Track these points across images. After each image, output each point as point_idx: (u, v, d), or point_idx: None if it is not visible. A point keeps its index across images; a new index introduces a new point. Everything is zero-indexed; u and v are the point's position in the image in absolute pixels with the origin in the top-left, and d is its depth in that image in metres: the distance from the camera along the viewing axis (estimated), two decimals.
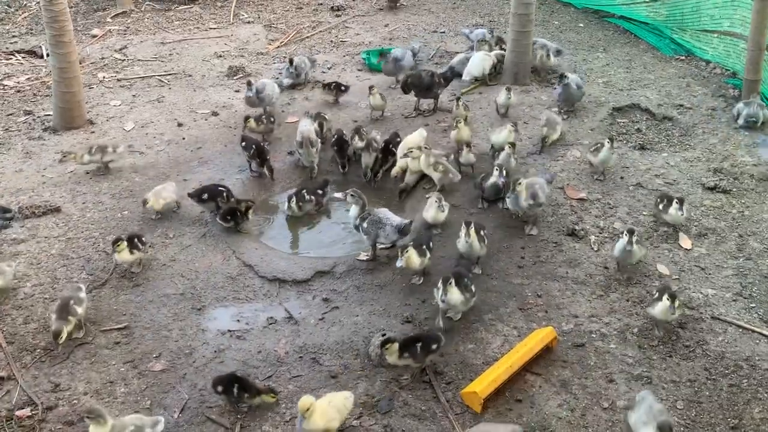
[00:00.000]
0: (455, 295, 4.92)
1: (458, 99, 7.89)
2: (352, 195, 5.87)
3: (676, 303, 4.76)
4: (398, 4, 12.29)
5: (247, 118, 7.65)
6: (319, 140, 7.22)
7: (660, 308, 4.81)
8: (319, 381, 4.69)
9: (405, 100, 8.51)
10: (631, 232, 5.37)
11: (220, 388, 4.45)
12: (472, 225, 5.46)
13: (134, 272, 5.67)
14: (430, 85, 8.20)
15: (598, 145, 6.80)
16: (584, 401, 4.49)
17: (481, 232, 5.56)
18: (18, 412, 4.47)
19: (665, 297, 4.79)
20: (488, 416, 4.39)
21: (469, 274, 5.25)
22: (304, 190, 6.56)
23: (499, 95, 7.97)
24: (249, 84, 8.10)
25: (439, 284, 4.96)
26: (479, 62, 8.92)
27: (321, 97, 8.62)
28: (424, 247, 5.49)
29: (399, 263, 5.39)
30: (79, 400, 4.57)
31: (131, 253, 5.54)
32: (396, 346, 4.54)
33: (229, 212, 6.17)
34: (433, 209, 6.00)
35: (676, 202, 5.87)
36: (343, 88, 8.53)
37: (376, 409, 4.46)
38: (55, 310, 4.99)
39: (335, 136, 7.29)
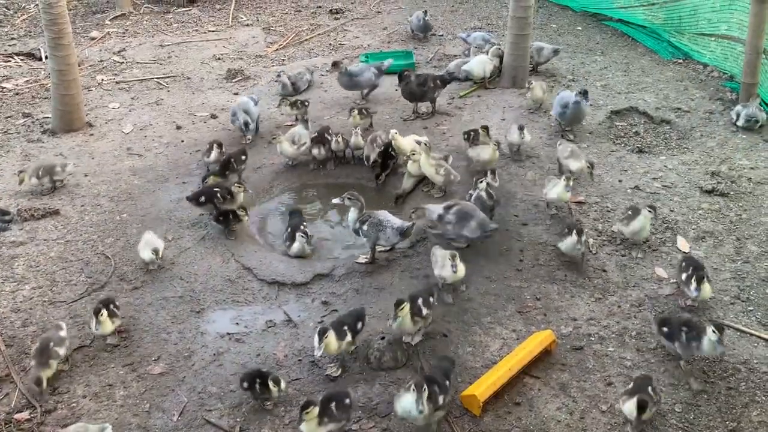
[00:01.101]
0: (406, 321, 4.72)
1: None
2: (349, 198, 5.83)
3: (583, 238, 5.47)
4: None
5: (283, 99, 8.24)
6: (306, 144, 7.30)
7: (568, 243, 5.53)
8: (317, 384, 4.69)
9: (404, 103, 8.53)
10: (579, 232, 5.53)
11: (245, 384, 4.49)
12: (457, 256, 5.17)
13: (114, 344, 5.06)
14: (423, 93, 8.18)
15: (630, 212, 5.83)
16: (583, 404, 4.49)
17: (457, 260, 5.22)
18: (17, 415, 4.47)
19: (573, 232, 5.48)
20: (487, 419, 4.40)
21: (430, 298, 4.92)
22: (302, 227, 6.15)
23: (510, 132, 7.21)
24: (336, 64, 8.52)
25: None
26: (480, 64, 8.93)
27: (288, 113, 8.25)
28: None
29: (393, 324, 4.79)
30: (78, 403, 4.57)
31: (112, 322, 4.97)
32: (315, 410, 4.09)
33: (222, 214, 6.17)
34: (447, 271, 5.22)
35: (649, 210, 5.73)
36: (306, 103, 8.21)
37: (375, 412, 4.46)
38: (34, 354, 4.67)
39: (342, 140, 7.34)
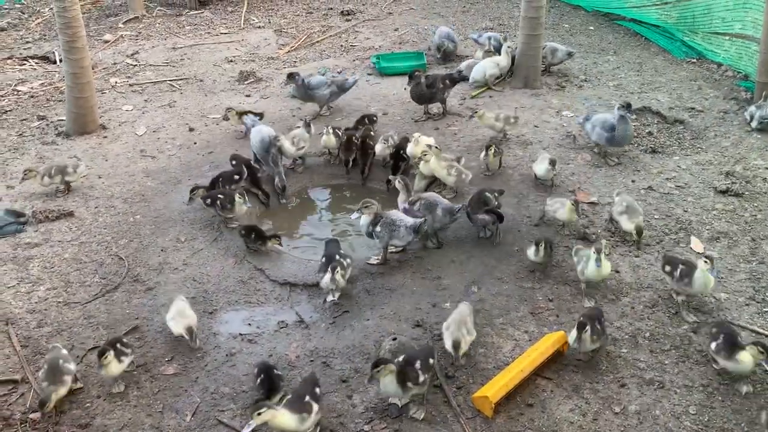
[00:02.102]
0: (390, 385, 4.30)
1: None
2: (366, 206, 5.75)
3: (541, 248, 5.43)
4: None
5: (229, 109, 7.95)
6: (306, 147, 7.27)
7: (530, 252, 5.57)
8: (330, 385, 4.70)
9: (415, 103, 8.51)
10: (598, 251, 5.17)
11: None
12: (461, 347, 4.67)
13: (118, 391, 4.68)
14: (432, 95, 8.13)
15: (681, 268, 5.13)
16: (596, 406, 4.47)
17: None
18: (32, 415, 4.51)
19: (534, 243, 5.51)
20: (500, 421, 4.38)
21: (429, 360, 4.45)
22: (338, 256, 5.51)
23: (539, 164, 6.60)
24: (292, 76, 8.28)
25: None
26: (482, 68, 8.94)
27: (232, 126, 8.04)
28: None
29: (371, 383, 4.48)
30: (92, 403, 4.61)
31: (119, 361, 4.57)
32: (390, 367, 4.22)
33: (253, 231, 6.02)
34: (448, 343, 4.73)
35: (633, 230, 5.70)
36: (258, 116, 7.97)
37: (386, 413, 4.46)
38: (44, 374, 4.49)
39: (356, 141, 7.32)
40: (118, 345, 4.63)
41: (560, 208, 5.98)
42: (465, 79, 8.94)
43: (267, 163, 6.97)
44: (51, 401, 4.39)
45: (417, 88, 8.12)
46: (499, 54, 9.18)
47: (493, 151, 6.74)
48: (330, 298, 5.39)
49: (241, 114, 7.92)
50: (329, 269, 5.31)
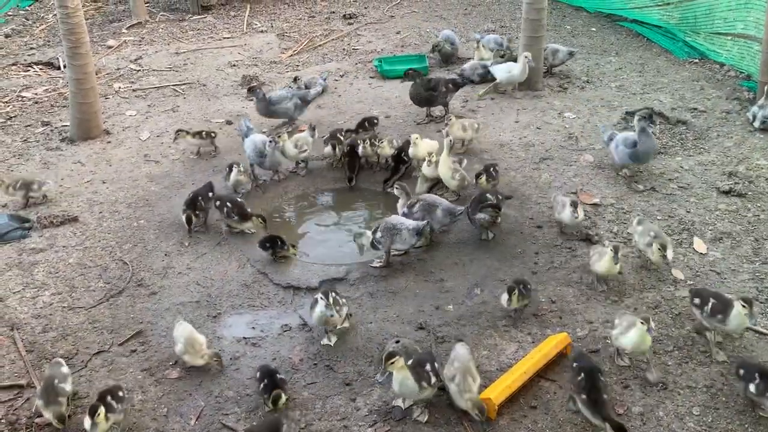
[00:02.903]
0: (407, 382, 4.23)
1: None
2: (358, 236, 5.86)
3: (514, 296, 5.05)
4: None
5: (179, 131, 7.67)
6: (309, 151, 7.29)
7: (503, 299, 5.14)
8: (333, 388, 4.71)
9: (409, 109, 8.49)
10: (615, 250, 5.22)
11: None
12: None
13: None
14: (433, 98, 8.12)
15: (719, 306, 4.70)
16: None
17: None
18: (37, 420, 4.53)
19: (507, 291, 5.11)
20: (503, 422, 4.39)
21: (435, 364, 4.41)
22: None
23: (562, 209, 5.93)
24: (252, 90, 8.12)
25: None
26: (506, 68, 8.70)
27: (191, 146, 7.75)
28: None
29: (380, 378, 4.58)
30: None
31: (106, 419, 4.23)
32: (401, 361, 4.23)
33: (269, 240, 6.00)
34: (464, 403, 4.35)
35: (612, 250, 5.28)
36: (213, 134, 7.72)
37: (390, 416, 4.47)
38: (40, 394, 4.42)
39: (347, 147, 7.32)
40: (109, 397, 4.35)
41: (598, 261, 5.35)
42: (471, 82, 8.98)
43: (263, 168, 7.02)
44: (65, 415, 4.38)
45: (415, 89, 8.10)
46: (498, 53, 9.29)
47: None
48: (325, 341, 5.03)
49: (194, 134, 7.62)
50: (322, 301, 4.91)
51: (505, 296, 5.10)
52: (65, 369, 4.64)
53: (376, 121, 7.96)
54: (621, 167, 6.89)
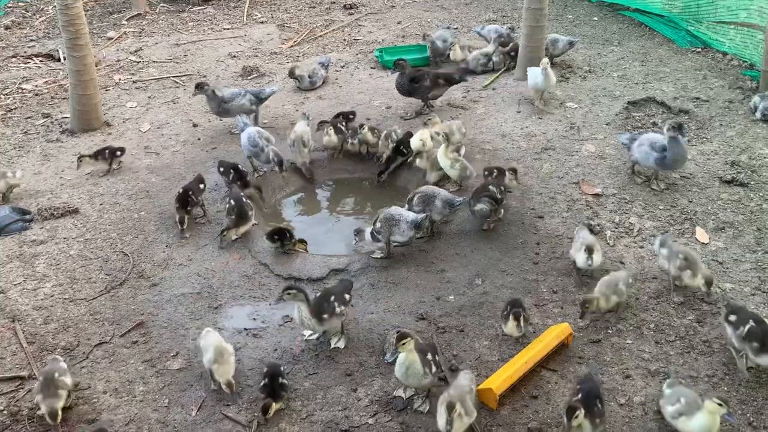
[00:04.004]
0: (415, 366, 4.27)
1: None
2: (356, 234, 5.88)
3: (522, 321, 4.77)
4: None
5: (80, 158, 7.16)
6: (312, 142, 7.22)
7: (508, 326, 4.84)
8: (334, 378, 4.71)
9: (410, 100, 8.43)
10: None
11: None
12: (456, 408, 4.00)
13: None
14: (413, 90, 8.05)
15: (755, 326, 4.41)
16: None
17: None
18: (39, 411, 4.53)
19: (508, 315, 4.84)
20: (504, 412, 4.39)
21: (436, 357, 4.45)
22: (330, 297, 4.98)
23: (576, 254, 5.41)
24: (200, 86, 7.85)
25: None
26: (535, 75, 8.03)
27: (90, 169, 7.22)
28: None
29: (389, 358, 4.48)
30: (98, 399, 4.64)
31: None
32: (411, 342, 4.30)
33: (276, 233, 5.95)
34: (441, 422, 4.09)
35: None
36: (118, 152, 7.31)
37: (391, 406, 4.47)
38: (39, 388, 4.40)
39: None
40: None
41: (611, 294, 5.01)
42: (472, 73, 8.98)
43: (260, 161, 6.98)
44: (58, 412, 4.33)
45: (400, 79, 8.07)
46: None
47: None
48: (334, 344, 4.97)
49: (92, 156, 7.19)
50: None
51: (511, 322, 4.77)
52: (63, 365, 4.61)
53: (352, 116, 7.88)
54: (640, 167, 6.60)
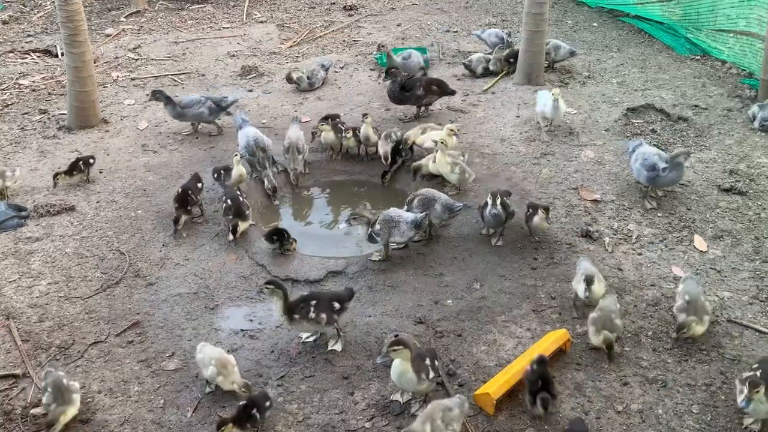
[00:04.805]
0: (406, 374, 4.24)
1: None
2: (354, 218, 5.79)
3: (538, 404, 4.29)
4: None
5: (56, 175, 6.93)
6: (307, 147, 7.18)
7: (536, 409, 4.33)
8: (331, 381, 4.69)
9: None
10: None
11: None
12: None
13: None
14: (402, 98, 8.04)
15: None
16: (598, 404, 4.45)
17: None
18: (33, 410, 4.50)
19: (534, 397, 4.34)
20: (501, 418, 4.37)
21: (435, 362, 4.42)
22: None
23: (576, 285, 5.17)
24: (155, 94, 7.87)
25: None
26: (544, 101, 7.56)
27: (67, 182, 6.96)
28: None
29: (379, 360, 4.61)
30: (93, 399, 4.60)
31: None
32: (407, 353, 4.25)
33: (275, 233, 5.94)
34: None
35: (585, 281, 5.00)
36: (91, 161, 7.07)
37: (388, 410, 4.45)
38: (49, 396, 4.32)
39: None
40: None
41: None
42: (472, 71, 9.08)
43: (253, 165, 6.95)
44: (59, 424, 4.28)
45: (392, 87, 8.06)
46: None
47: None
48: (332, 346, 4.95)
49: (67, 173, 6.96)
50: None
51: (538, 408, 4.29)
52: (62, 372, 4.51)
53: (338, 119, 7.77)
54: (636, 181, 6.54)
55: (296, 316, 4.83)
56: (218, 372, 4.49)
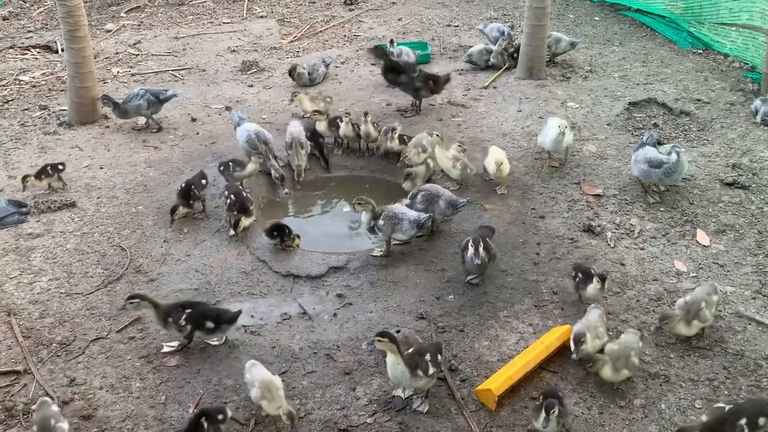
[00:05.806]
0: (399, 372, 4.25)
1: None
2: (359, 203, 5.76)
3: (553, 417, 4.03)
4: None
5: (25, 177, 6.75)
6: (309, 143, 7.15)
7: (539, 422, 4.11)
8: (333, 377, 4.68)
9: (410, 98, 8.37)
10: None
11: None
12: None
13: None
14: (395, 82, 8.15)
15: None
16: (601, 399, 4.44)
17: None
18: (34, 406, 4.49)
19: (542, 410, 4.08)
20: (503, 414, 4.36)
21: (438, 355, 4.40)
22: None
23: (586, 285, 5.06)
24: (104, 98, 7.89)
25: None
26: (550, 135, 6.81)
27: (34, 185, 6.74)
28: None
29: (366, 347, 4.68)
30: (94, 395, 4.59)
31: None
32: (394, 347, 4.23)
33: (275, 229, 5.91)
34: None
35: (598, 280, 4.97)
36: (60, 167, 6.87)
37: (390, 405, 4.44)
38: None
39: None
40: None
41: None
42: (474, 64, 9.13)
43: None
44: None
45: (385, 67, 8.20)
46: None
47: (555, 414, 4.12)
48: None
49: (36, 177, 6.75)
50: None
51: (542, 416, 4.08)
52: (55, 407, 4.24)
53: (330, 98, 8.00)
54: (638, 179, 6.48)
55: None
56: (262, 395, 4.26)
